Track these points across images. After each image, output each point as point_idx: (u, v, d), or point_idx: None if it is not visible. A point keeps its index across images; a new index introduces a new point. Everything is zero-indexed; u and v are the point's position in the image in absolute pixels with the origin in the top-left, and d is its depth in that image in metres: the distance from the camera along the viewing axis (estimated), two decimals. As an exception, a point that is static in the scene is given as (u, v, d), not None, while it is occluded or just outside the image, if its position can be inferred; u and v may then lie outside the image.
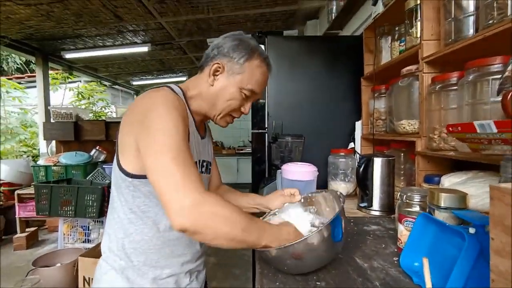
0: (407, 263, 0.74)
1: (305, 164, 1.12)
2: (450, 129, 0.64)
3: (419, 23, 1.05)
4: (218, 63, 0.74)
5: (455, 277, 0.58)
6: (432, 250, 0.71)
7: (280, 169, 1.17)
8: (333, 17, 2.40)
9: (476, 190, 0.77)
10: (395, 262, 0.77)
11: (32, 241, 3.03)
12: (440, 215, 0.76)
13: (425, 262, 0.56)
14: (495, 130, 0.54)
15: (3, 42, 3.54)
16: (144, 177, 0.66)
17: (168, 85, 0.74)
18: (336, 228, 0.68)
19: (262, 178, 1.72)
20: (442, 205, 0.74)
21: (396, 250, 0.84)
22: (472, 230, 0.64)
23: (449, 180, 0.89)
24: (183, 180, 0.55)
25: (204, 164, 0.85)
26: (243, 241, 0.59)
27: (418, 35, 1.06)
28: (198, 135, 0.81)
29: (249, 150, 5.97)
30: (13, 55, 6.97)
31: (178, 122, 0.62)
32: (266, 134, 1.76)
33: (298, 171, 1.07)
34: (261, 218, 0.85)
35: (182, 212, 0.53)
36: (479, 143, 0.62)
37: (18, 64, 7.68)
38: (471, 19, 0.84)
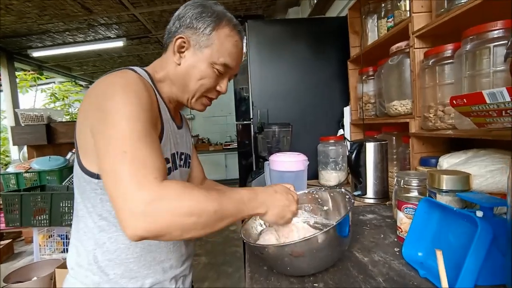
0: (410, 254, 0.67)
1: (294, 154, 1.04)
2: (454, 101, 0.57)
3: (408, -5, 0.98)
4: (182, 37, 0.63)
5: (468, 269, 0.51)
6: (437, 238, 0.65)
7: (268, 160, 1.09)
8: (315, 1, 2.31)
9: (479, 170, 0.71)
10: (397, 253, 0.71)
11: (7, 255, 2.82)
12: (442, 199, 0.69)
13: (439, 256, 0.49)
14: (508, 98, 0.47)
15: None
16: None
17: (131, 67, 0.63)
18: (343, 226, 0.60)
19: (250, 172, 1.63)
20: (444, 188, 0.68)
21: (396, 239, 0.78)
22: (479, 214, 0.58)
23: (447, 161, 0.83)
24: (132, 178, 0.45)
25: (183, 157, 0.75)
26: (219, 223, 0.50)
27: (408, 9, 0.99)
28: (173, 124, 0.70)
29: (236, 145, 5.88)
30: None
31: (140, 106, 0.52)
32: (252, 125, 1.66)
33: (287, 162, 0.98)
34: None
35: (134, 219, 0.43)
36: (486, 116, 0.55)
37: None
38: (465, -16, 0.77)
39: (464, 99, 0.54)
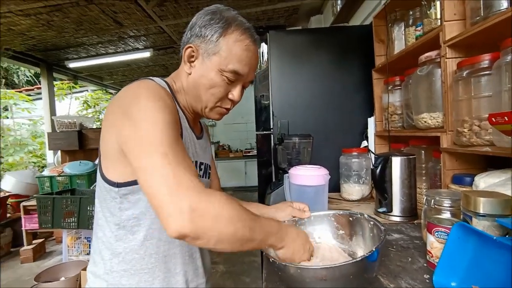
0: (442, 282, 0.61)
1: (314, 167, 1.00)
2: (493, 119, 0.52)
3: (438, 3, 0.93)
4: (190, 46, 0.63)
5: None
6: (473, 267, 0.59)
7: (288, 173, 1.06)
8: (338, 9, 2.27)
9: (523, 193, 0.64)
10: (427, 281, 0.65)
11: (40, 253, 3.00)
12: (479, 224, 0.63)
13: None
14: (559, 118, 0.41)
15: (7, 54, 3.56)
16: (132, 183, 0.58)
17: (151, 77, 0.65)
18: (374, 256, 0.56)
19: (269, 182, 1.61)
20: (481, 211, 0.62)
21: (425, 264, 0.72)
22: (524, 244, 0.52)
23: (484, 181, 0.76)
24: (178, 179, 0.47)
25: (202, 167, 0.75)
26: (248, 242, 0.52)
27: (438, 16, 0.93)
28: (192, 134, 0.71)
29: (256, 152, 5.88)
30: (22, 68, 7.11)
31: (166, 113, 0.53)
32: (272, 136, 1.65)
33: (307, 175, 0.95)
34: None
35: (180, 216, 0.45)
36: (531, 136, 0.49)
37: (27, 77, 7.86)
38: (504, -10, 0.71)
39: (506, 117, 0.49)
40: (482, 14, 0.76)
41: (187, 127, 0.68)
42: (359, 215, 0.75)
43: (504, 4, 0.71)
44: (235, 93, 0.66)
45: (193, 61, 0.64)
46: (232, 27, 0.61)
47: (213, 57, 0.61)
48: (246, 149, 6.53)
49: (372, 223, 0.70)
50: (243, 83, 0.67)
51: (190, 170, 0.50)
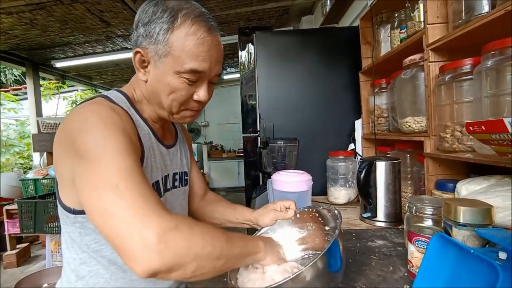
0: (422, 295, 0.60)
1: (297, 172, 0.98)
2: (471, 128, 0.50)
3: (421, 5, 0.91)
4: (139, 51, 0.55)
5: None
6: (452, 279, 0.57)
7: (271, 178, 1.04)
8: (327, 10, 2.26)
9: (503, 201, 0.63)
10: (407, 292, 0.63)
11: (24, 258, 2.91)
12: (459, 234, 0.62)
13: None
14: (535, 128, 0.40)
15: (-11, 53, 3.45)
16: None
17: (106, 94, 0.59)
18: (333, 258, 0.54)
19: (256, 185, 1.58)
20: (461, 220, 0.61)
21: (406, 274, 0.70)
22: (503, 255, 0.50)
23: (466, 188, 0.74)
24: (135, 212, 0.42)
25: (176, 177, 0.72)
26: (227, 258, 0.49)
27: (422, 19, 0.92)
28: (160, 146, 0.66)
29: (243, 154, 5.87)
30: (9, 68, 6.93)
31: (120, 138, 0.48)
32: (259, 138, 1.62)
33: (290, 182, 0.93)
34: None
35: (146, 251, 0.40)
36: (509, 145, 0.48)
37: (16, 76, 7.66)
38: (486, -7, 0.70)
39: (483, 126, 0.47)
40: (464, 18, 0.75)
41: (153, 141, 0.63)
42: (321, 208, 0.74)
43: (486, 8, 0.70)
44: (200, 93, 0.58)
45: (146, 66, 0.56)
46: (179, 19, 0.52)
47: (165, 59, 0.53)
48: (239, 149, 6.49)
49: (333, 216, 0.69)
50: (209, 79, 0.58)
51: (149, 197, 0.45)
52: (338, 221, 0.61)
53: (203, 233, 0.46)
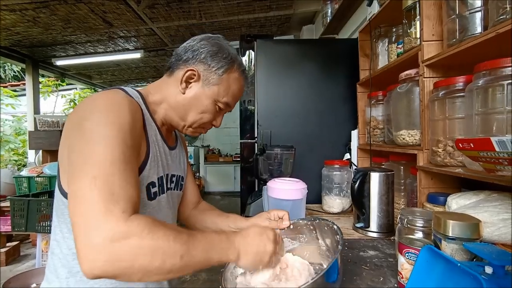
0: (410, 306, 0.61)
1: (293, 180, 0.99)
2: (460, 145, 0.52)
3: (418, 23, 0.94)
4: (193, 70, 0.66)
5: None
6: (440, 292, 0.58)
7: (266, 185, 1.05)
8: (328, 21, 2.30)
9: (491, 217, 0.65)
10: (396, 303, 0.64)
11: (13, 256, 2.87)
12: (448, 247, 0.63)
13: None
14: (520, 148, 0.41)
15: (-10, 48, 3.45)
16: None
17: (123, 87, 0.63)
18: (331, 273, 0.55)
19: (252, 191, 1.59)
20: (450, 234, 0.62)
21: (396, 285, 0.71)
22: (488, 270, 0.51)
23: (456, 202, 0.76)
24: (98, 208, 0.42)
25: (174, 179, 0.73)
26: (185, 269, 0.46)
27: (418, 36, 0.95)
28: (164, 145, 0.69)
29: (239, 158, 5.88)
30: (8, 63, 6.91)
31: (119, 126, 0.50)
32: (256, 144, 1.64)
33: (285, 189, 0.94)
34: None
35: (92, 254, 0.40)
36: (496, 163, 0.49)
37: (15, 72, 7.63)
38: (478, 15, 0.73)
39: (471, 144, 0.49)
40: (458, 37, 0.77)
41: (159, 139, 0.67)
42: (318, 221, 0.75)
43: (478, 29, 0.72)
44: (218, 120, 0.73)
45: (190, 83, 0.67)
46: (235, 66, 0.68)
47: (213, 87, 0.67)
48: (236, 154, 6.50)
49: (333, 232, 0.69)
50: (226, 112, 0.74)
51: (118, 197, 0.44)
52: (338, 236, 0.62)
53: (158, 244, 0.43)
